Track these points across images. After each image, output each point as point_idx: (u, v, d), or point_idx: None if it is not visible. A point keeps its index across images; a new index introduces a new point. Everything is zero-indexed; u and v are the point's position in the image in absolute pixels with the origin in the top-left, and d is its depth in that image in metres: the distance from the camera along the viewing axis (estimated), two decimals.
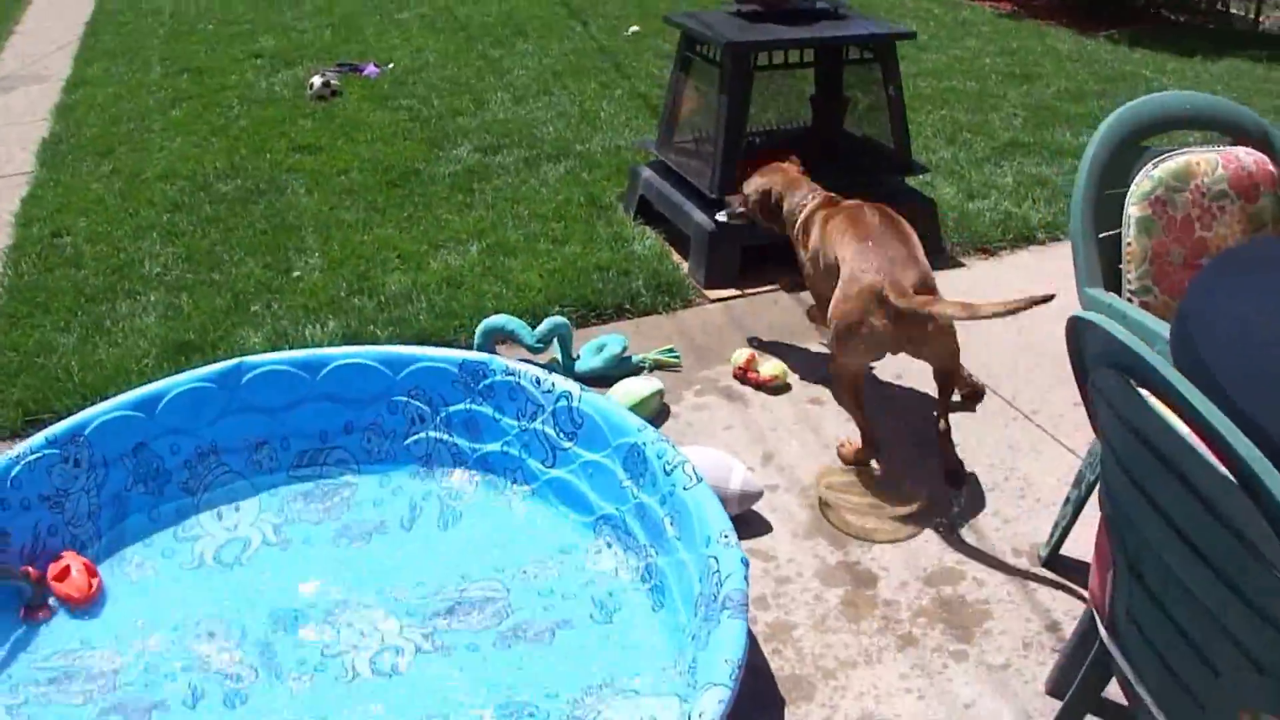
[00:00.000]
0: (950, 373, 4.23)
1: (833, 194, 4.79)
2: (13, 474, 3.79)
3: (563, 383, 4.10)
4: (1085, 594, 3.71)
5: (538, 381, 4.14)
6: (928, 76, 9.43)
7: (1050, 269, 6.07)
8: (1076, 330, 2.29)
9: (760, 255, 5.91)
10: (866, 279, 4.07)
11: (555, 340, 4.95)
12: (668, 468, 3.68)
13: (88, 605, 3.69)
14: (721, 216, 5.28)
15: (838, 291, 4.18)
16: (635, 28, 11.21)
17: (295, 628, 3.59)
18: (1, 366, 5.25)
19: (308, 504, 4.16)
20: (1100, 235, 3.42)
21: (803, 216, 4.74)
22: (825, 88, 6.43)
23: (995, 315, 3.68)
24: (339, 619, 3.62)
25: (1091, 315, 2.14)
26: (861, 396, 4.27)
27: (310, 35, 11.51)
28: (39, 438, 3.96)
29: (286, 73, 10.00)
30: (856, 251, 4.19)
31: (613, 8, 12.38)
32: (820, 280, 4.49)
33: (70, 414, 4.65)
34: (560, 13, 12.11)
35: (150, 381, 4.34)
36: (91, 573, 3.79)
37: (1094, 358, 2.22)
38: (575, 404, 4.04)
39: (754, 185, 5.04)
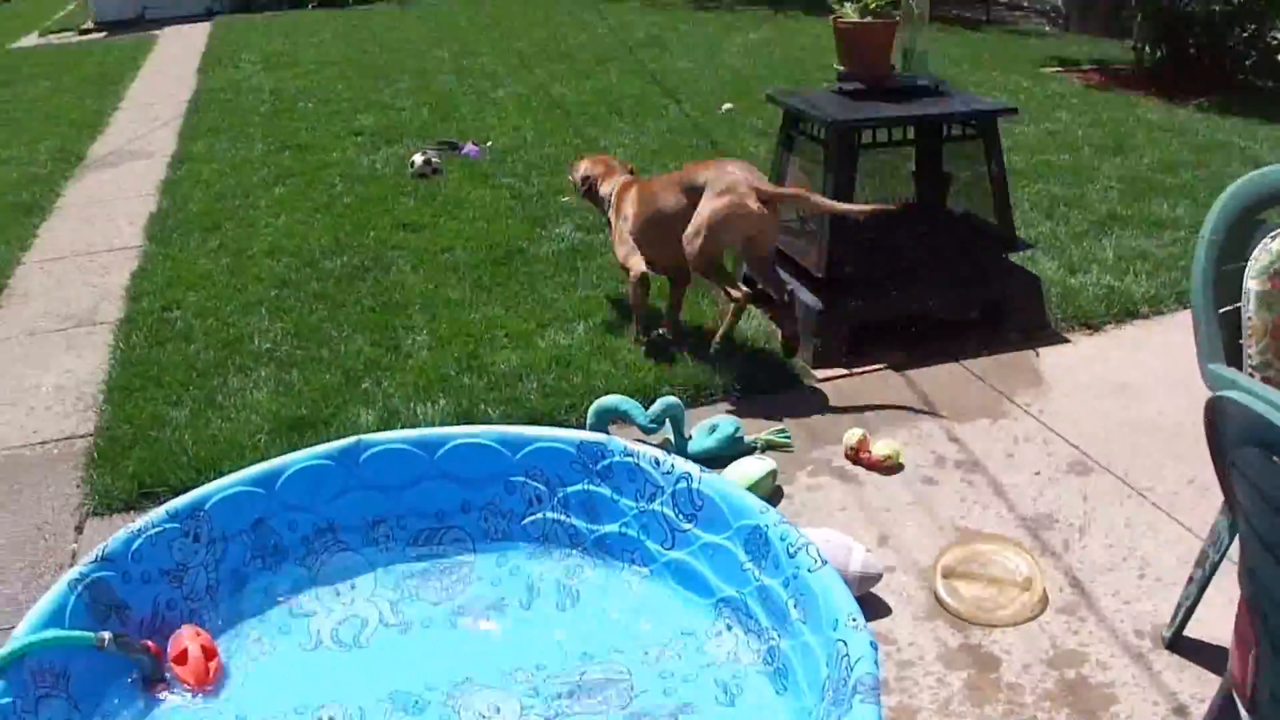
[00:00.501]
0: (769, 257, 5.50)
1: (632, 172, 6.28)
2: (134, 547, 3.81)
3: (682, 464, 4.09)
4: (1213, 676, 3.64)
5: (657, 463, 4.12)
6: (1021, 150, 9.40)
7: (1157, 343, 6.03)
8: (1218, 409, 2.25)
9: (868, 334, 5.89)
10: (739, 177, 5.35)
11: (668, 420, 4.94)
12: (791, 550, 3.64)
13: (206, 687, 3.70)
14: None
15: (711, 196, 5.39)
16: (729, 105, 11.26)
17: (417, 712, 3.58)
18: (116, 439, 5.35)
19: (425, 582, 4.16)
20: (1220, 310, 3.38)
21: (615, 194, 6.05)
22: (927, 164, 6.43)
23: (839, 212, 5.33)
24: (460, 702, 3.60)
25: (1235, 394, 2.12)
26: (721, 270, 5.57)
27: (408, 113, 11.68)
28: (160, 512, 3.99)
29: (387, 150, 10.17)
30: (716, 171, 5.46)
31: (705, 85, 12.45)
32: (640, 231, 5.82)
33: (185, 487, 4.71)
34: (653, 91, 12.20)
35: (264, 457, 4.39)
36: (210, 654, 3.79)
37: (1236, 436, 2.18)
38: (696, 485, 4.01)
39: (580, 171, 6.36)
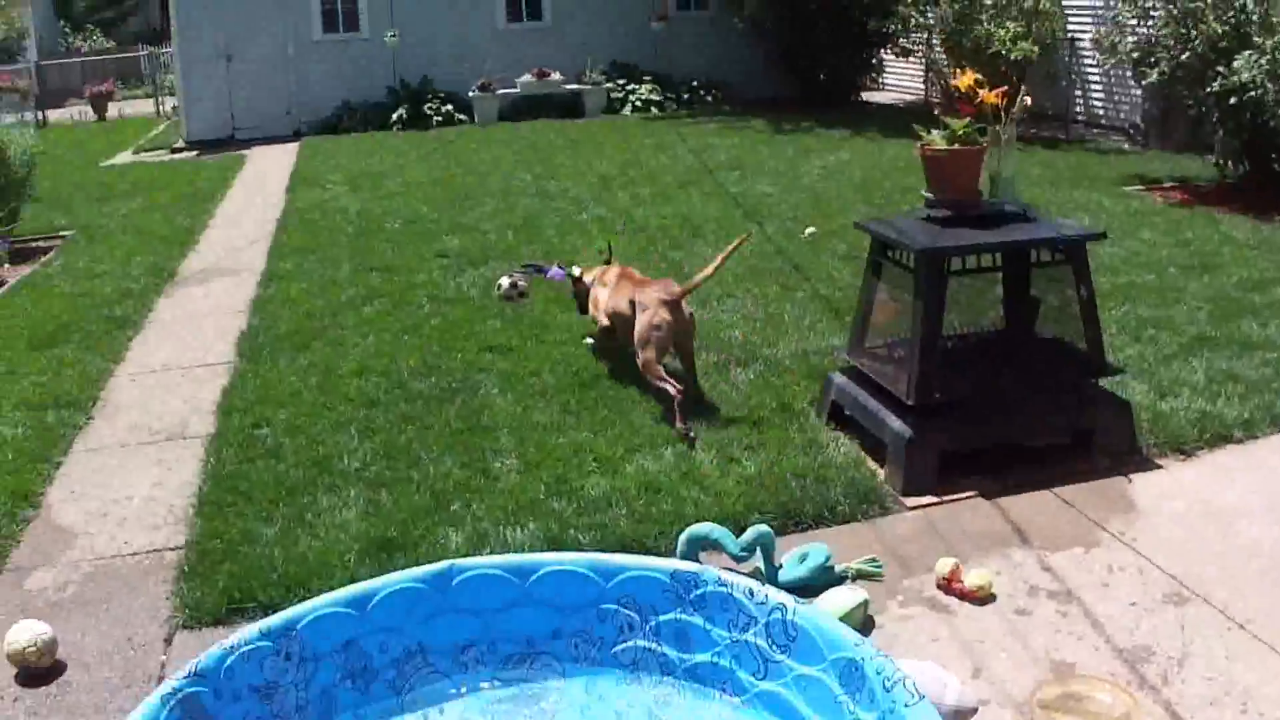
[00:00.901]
0: (689, 352, 6.98)
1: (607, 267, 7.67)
2: (227, 664, 3.84)
3: (777, 595, 4.07)
4: None
5: (751, 593, 4.11)
6: (1105, 271, 9.31)
7: (1253, 468, 5.96)
8: None
9: (958, 460, 5.86)
10: (654, 298, 6.78)
11: (759, 549, 4.93)
12: (888, 684, 3.61)
13: None
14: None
15: (639, 314, 6.83)
16: (812, 229, 11.27)
17: None
18: (207, 553, 5.41)
19: (514, 708, 4.15)
20: None
21: (600, 274, 7.60)
22: (1015, 290, 6.41)
23: (713, 273, 7.05)
24: None
25: None
26: (663, 372, 6.69)
27: (494, 236, 11.82)
28: (253, 629, 4.03)
29: (473, 272, 10.30)
30: (642, 293, 6.91)
31: (786, 209, 12.51)
32: (608, 306, 7.31)
33: (274, 604, 4.77)
34: (735, 215, 12.28)
35: (353, 577, 4.41)
36: None
37: None
38: (790, 616, 3.99)
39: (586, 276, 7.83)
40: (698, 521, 5.12)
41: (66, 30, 49.01)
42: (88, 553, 5.66)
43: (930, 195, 6.15)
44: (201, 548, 5.50)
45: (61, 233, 13.71)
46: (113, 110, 32.62)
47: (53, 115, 31.73)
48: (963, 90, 5.98)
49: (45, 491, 6.38)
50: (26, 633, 4.70)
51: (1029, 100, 6.35)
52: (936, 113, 6.26)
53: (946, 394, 5.88)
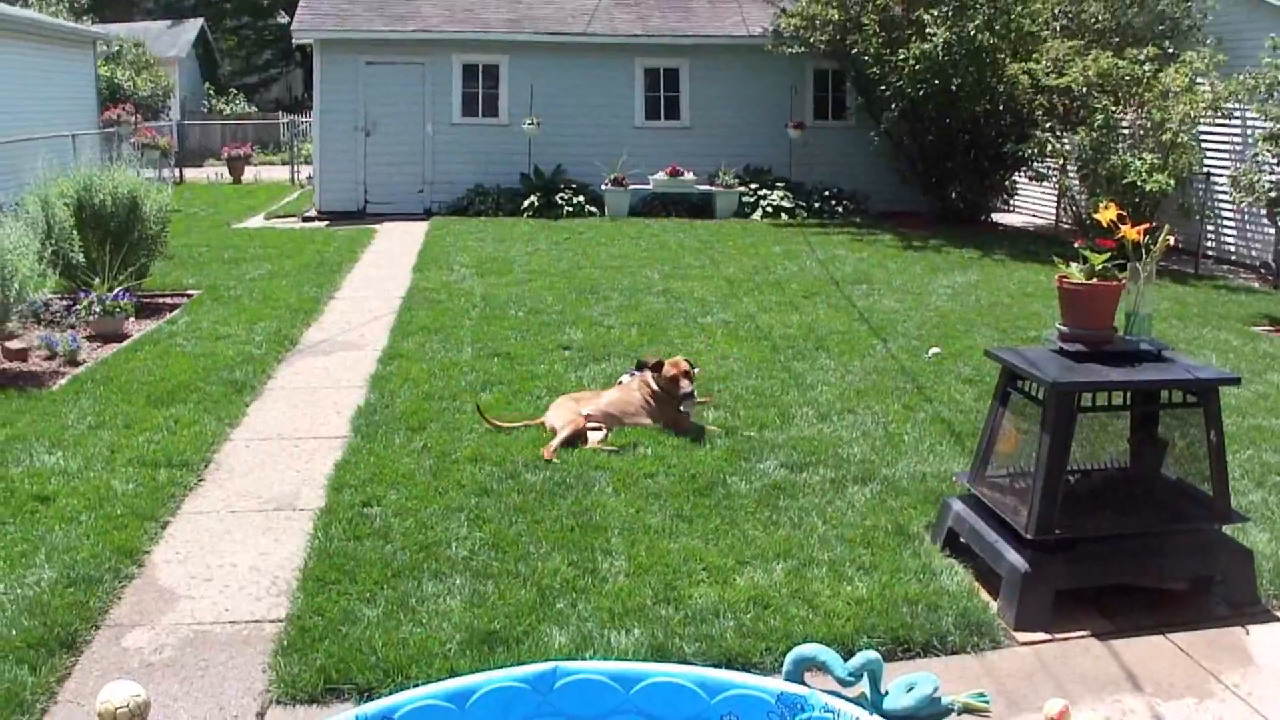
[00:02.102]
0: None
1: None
2: None
3: None
4: None
5: None
6: (1231, 413, 8.99)
7: None
8: None
9: (1072, 599, 5.73)
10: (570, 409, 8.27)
11: (866, 674, 4.83)
12: None
13: None
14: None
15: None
16: (936, 350, 11.12)
17: None
18: (307, 629, 5.39)
19: None
20: None
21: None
22: (1143, 429, 6.28)
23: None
24: None
25: None
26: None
27: (617, 332, 11.77)
28: (350, 714, 4.00)
29: (594, 367, 10.27)
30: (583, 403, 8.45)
31: (911, 326, 12.36)
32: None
33: (371, 688, 4.77)
34: (860, 330, 12.15)
35: (453, 668, 4.38)
36: None
37: None
38: None
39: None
40: (805, 641, 5.04)
41: (211, 93, 50.45)
42: (187, 616, 5.68)
43: (1064, 327, 6.06)
44: (302, 623, 5.48)
45: (188, 291, 13.95)
46: (249, 174, 33.41)
47: (190, 174, 32.57)
48: (1104, 224, 5.90)
49: (151, 550, 6.42)
50: (121, 693, 4.68)
51: (1171, 239, 6.24)
52: (1077, 245, 6.14)
53: (1066, 530, 5.76)
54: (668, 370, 8.33)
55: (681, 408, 8.38)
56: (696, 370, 8.51)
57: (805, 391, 9.61)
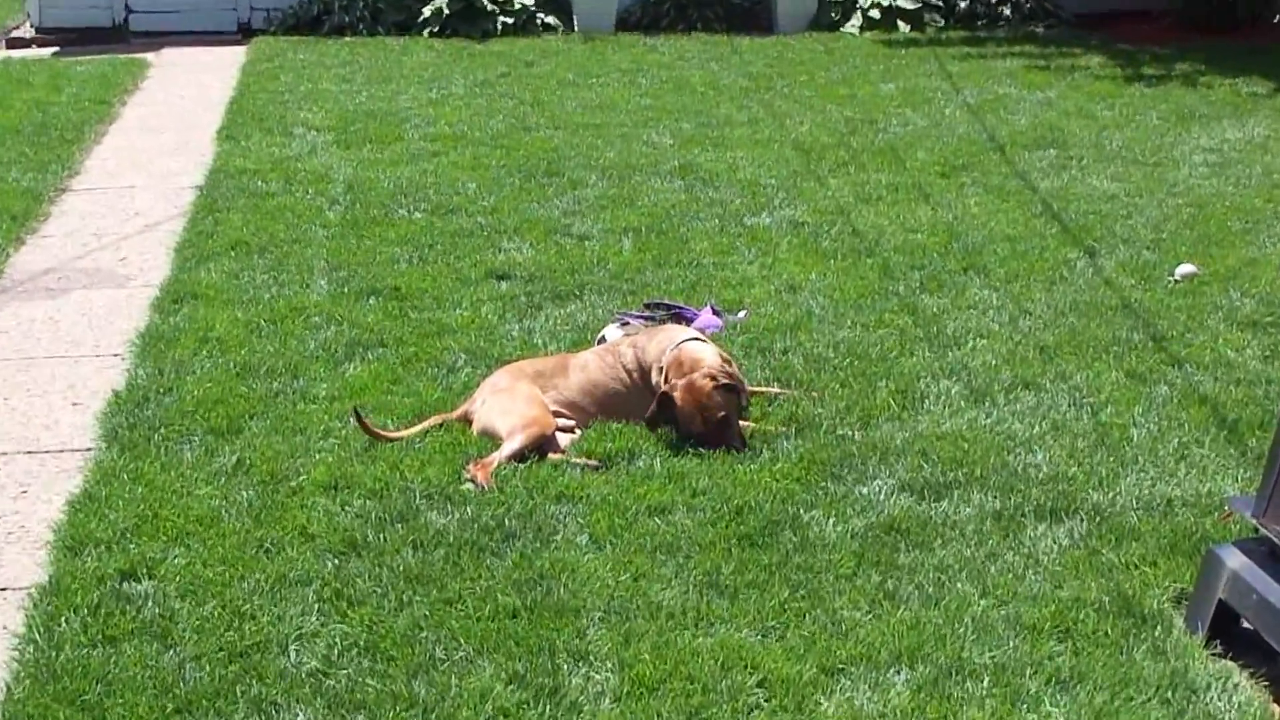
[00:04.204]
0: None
1: None
2: None
3: None
4: None
5: None
6: None
7: None
8: None
9: None
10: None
11: None
12: None
13: None
14: None
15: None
16: (1187, 268, 7.22)
17: None
18: None
19: None
20: None
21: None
22: None
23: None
24: None
25: None
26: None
27: (597, 245, 7.66)
28: None
29: (553, 311, 6.64)
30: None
31: (1141, 228, 7.95)
32: None
33: None
34: (1047, 234, 7.89)
35: None
36: None
37: None
38: None
39: None
40: None
41: None
42: None
43: None
44: None
45: None
46: None
47: None
48: None
49: None
50: None
51: None
52: None
53: None
54: (685, 396, 5.18)
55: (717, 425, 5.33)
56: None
57: (944, 351, 6.23)
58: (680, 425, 5.18)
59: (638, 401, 5.36)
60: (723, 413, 5.12)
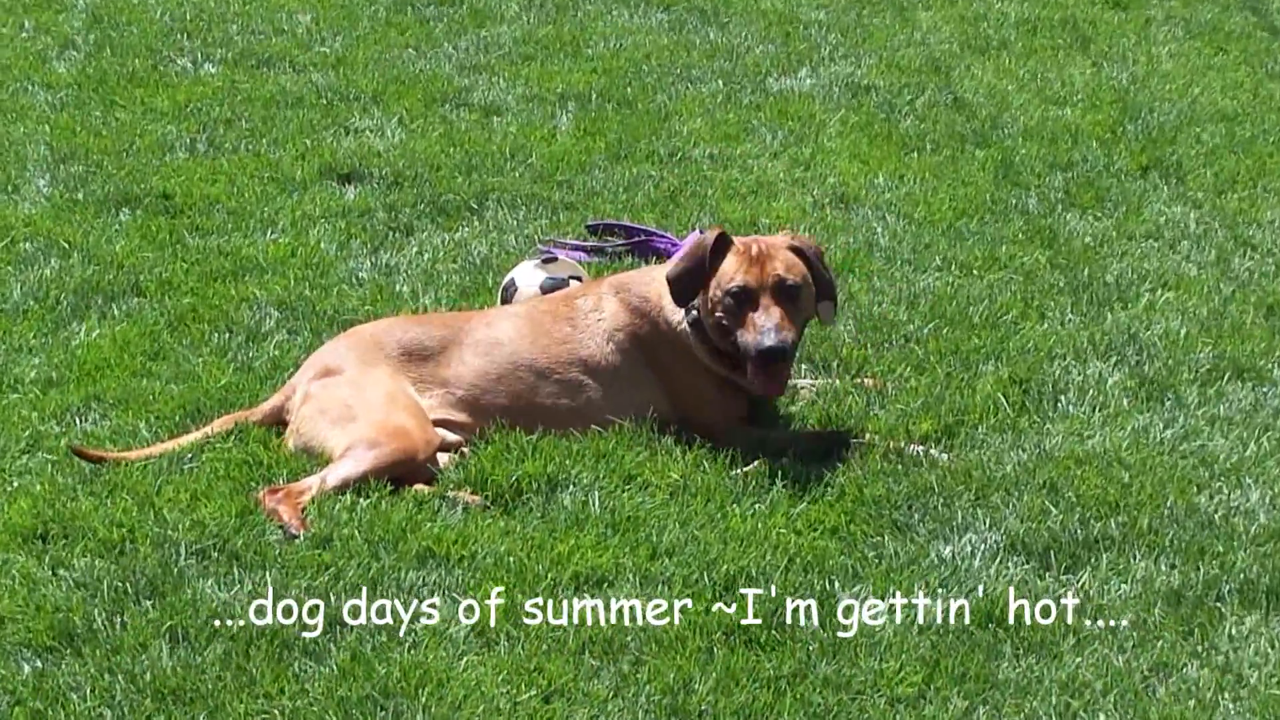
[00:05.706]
0: None
1: None
2: None
3: None
4: None
5: None
6: None
7: None
8: None
9: None
10: None
11: None
12: None
13: None
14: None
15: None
16: None
17: None
18: None
19: None
20: None
21: None
22: None
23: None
24: None
25: None
26: None
27: (511, 122, 5.66)
28: None
29: (433, 237, 4.85)
30: None
31: None
32: None
33: None
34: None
35: None
36: None
37: None
38: None
39: None
40: None
41: None
42: None
43: None
44: None
45: None
46: None
47: None
48: None
49: None
50: None
51: None
52: None
53: None
54: (746, 241, 3.86)
55: (753, 382, 3.76)
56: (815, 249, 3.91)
57: (1099, 311, 4.43)
58: (720, 282, 3.68)
59: (615, 393, 3.79)
60: (791, 279, 3.67)
